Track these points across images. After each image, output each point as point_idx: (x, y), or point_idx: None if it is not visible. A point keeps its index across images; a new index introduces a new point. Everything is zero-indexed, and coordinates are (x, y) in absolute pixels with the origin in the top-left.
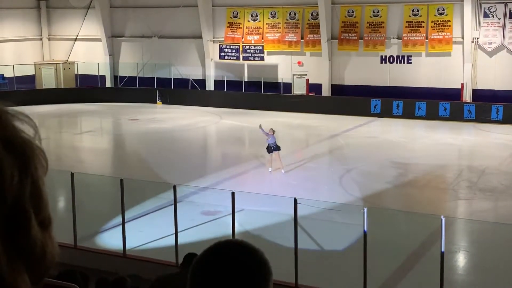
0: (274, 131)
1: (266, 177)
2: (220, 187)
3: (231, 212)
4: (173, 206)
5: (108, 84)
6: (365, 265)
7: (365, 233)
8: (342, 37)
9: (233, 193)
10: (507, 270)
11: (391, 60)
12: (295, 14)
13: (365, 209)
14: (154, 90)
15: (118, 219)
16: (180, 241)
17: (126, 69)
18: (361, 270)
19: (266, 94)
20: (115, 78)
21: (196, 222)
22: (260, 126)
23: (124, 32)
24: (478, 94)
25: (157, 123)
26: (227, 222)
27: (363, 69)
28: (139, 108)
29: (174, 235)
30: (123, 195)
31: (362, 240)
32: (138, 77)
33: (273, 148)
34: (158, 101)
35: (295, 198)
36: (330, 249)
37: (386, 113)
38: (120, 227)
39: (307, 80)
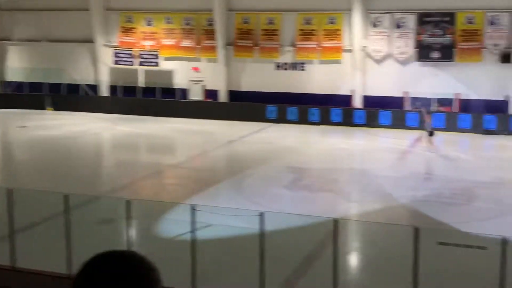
0: (429, 116)
1: (164, 184)
2: (116, 195)
3: (126, 221)
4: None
5: None
6: (262, 268)
7: (261, 237)
8: (238, 44)
9: (128, 202)
10: (397, 269)
11: (286, 67)
12: (190, 20)
13: (262, 214)
14: (45, 96)
15: (6, 231)
16: (74, 251)
17: (15, 74)
18: (258, 273)
19: (163, 100)
20: (2, 83)
21: (91, 231)
22: (421, 111)
23: (12, 36)
24: (367, 100)
25: (47, 130)
26: (122, 231)
27: (259, 75)
28: (28, 114)
29: (66, 246)
30: (11, 205)
31: (258, 244)
32: (28, 82)
33: (427, 131)
34: (49, 108)
35: (192, 205)
36: (227, 253)
37: (281, 118)
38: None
39: (204, 86)
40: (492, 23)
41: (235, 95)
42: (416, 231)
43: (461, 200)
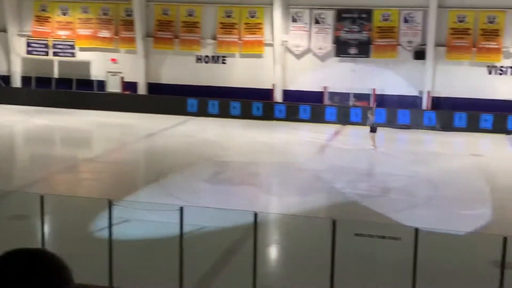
0: (372, 113)
1: (80, 179)
2: (29, 190)
3: (40, 217)
4: None
5: None
6: (181, 263)
7: (181, 231)
8: (158, 36)
9: (42, 197)
10: (315, 260)
11: (207, 60)
12: (108, 10)
13: (182, 208)
14: None
15: None
16: None
17: None
18: (178, 268)
19: (79, 92)
20: None
21: (2, 227)
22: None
23: None
24: (288, 94)
25: None
26: (36, 228)
27: (180, 68)
28: None
29: None
30: None
31: (178, 239)
32: None
33: (369, 127)
34: None
35: (109, 199)
36: (146, 249)
37: (202, 112)
38: None
39: (122, 78)
40: (406, 21)
41: (155, 88)
42: (334, 223)
43: (377, 192)
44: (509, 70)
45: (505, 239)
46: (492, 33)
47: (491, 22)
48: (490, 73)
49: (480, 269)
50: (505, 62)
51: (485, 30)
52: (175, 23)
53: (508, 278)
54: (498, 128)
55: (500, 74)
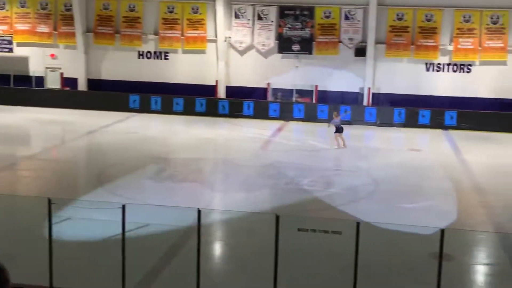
0: (337, 114)
1: (18, 177)
2: None
3: None
4: None
5: None
6: (124, 261)
7: (123, 229)
8: (98, 31)
9: None
10: (259, 255)
11: (149, 56)
12: (46, 5)
13: (124, 206)
14: None
15: None
16: None
17: None
18: (120, 267)
19: (17, 88)
20: None
21: None
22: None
23: None
24: (231, 91)
25: None
26: None
27: (121, 64)
28: None
29: None
30: None
31: (121, 237)
32: None
33: (336, 129)
34: None
35: (49, 198)
36: (88, 248)
37: (144, 108)
38: None
39: (62, 74)
40: (347, 18)
41: (95, 84)
42: (277, 218)
43: (320, 187)
44: (446, 67)
45: (442, 232)
46: (430, 31)
47: (428, 20)
48: (428, 70)
49: (419, 261)
50: (442, 59)
51: (423, 28)
52: (116, 18)
53: (445, 270)
54: (435, 123)
55: (437, 71)
